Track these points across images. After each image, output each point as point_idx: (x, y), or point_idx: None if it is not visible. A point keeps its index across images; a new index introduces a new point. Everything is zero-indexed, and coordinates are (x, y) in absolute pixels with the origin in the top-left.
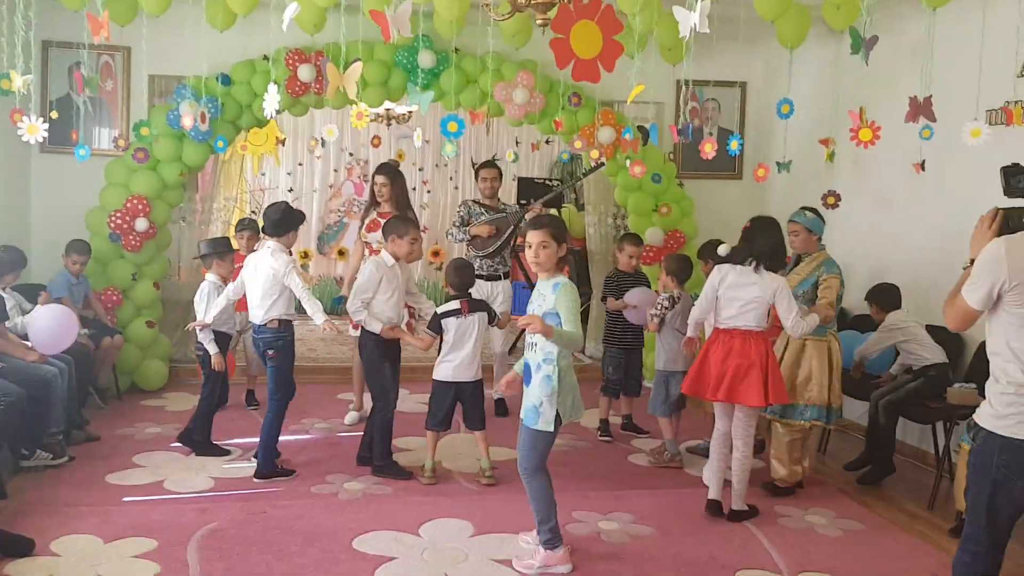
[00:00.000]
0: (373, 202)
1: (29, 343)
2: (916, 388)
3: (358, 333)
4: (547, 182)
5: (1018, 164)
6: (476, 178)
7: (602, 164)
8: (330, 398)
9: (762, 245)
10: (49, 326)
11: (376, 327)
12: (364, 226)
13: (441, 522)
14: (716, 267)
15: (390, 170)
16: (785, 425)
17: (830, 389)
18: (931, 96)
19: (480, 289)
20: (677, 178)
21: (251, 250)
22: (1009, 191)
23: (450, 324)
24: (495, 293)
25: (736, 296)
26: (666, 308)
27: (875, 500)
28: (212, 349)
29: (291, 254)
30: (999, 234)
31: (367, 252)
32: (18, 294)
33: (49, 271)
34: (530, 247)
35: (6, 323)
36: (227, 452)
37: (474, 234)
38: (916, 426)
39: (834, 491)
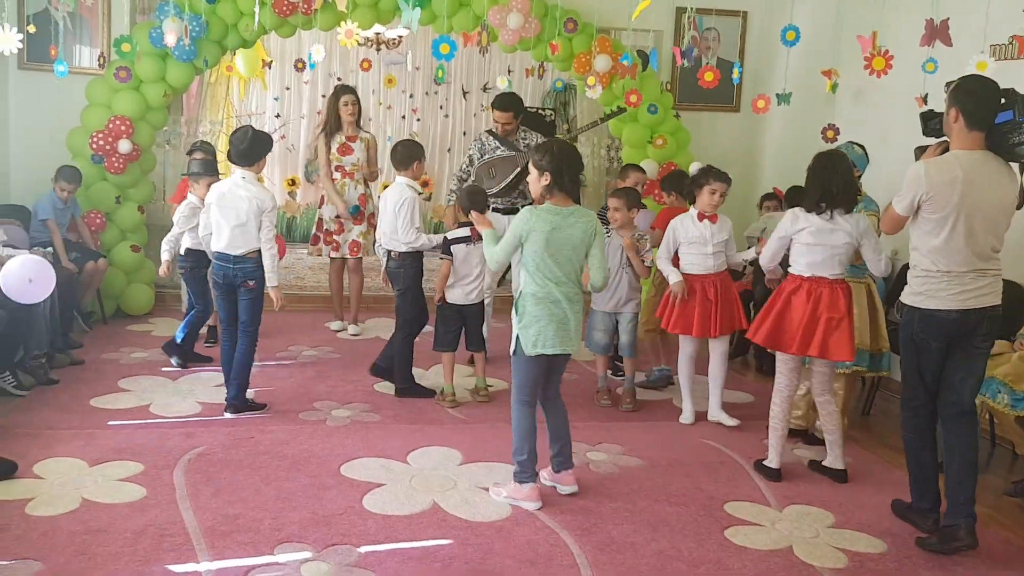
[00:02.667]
0: (336, 124)
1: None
2: None
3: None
4: (540, 111)
5: (932, 110)
6: (493, 110)
7: (623, 110)
8: (317, 326)
9: (827, 185)
10: (20, 283)
11: (431, 243)
12: (335, 149)
13: (430, 450)
14: (790, 211)
15: (353, 90)
16: None
17: (875, 332)
18: (948, 19)
19: (499, 222)
20: (674, 109)
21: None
22: (927, 132)
23: (459, 250)
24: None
25: (822, 242)
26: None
27: (864, 435)
28: (164, 258)
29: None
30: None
31: (340, 176)
32: None
33: (30, 192)
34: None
35: None
36: (209, 359)
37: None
38: None
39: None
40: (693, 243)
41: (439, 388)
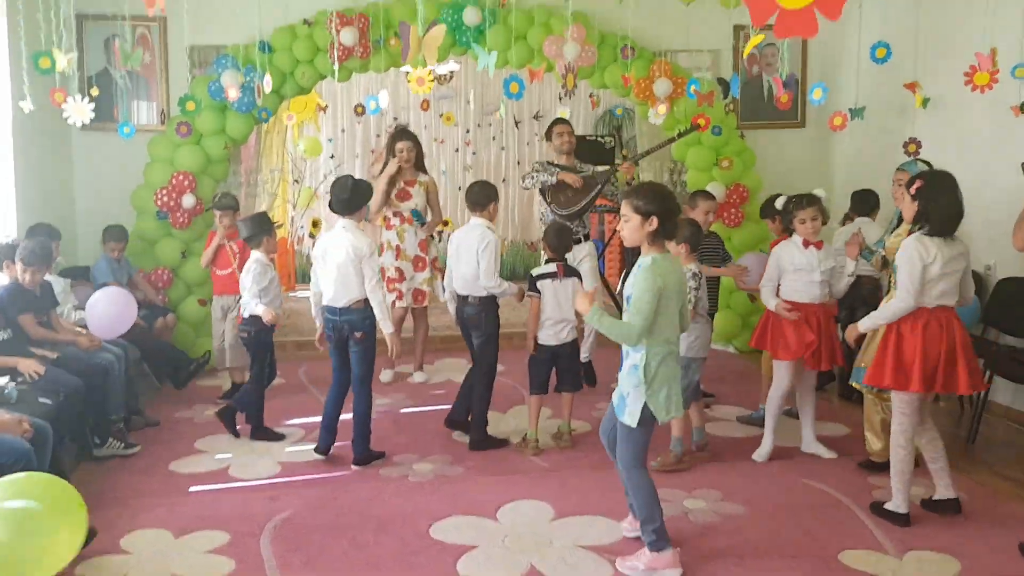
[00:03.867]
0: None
1: (81, 329)
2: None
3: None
4: (599, 139)
5: None
6: (548, 137)
7: (692, 129)
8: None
9: (956, 207)
10: (107, 309)
11: (512, 291)
12: (393, 194)
13: (519, 504)
14: (916, 239)
15: (412, 135)
16: (880, 398)
17: None
18: None
19: (580, 251)
20: (738, 129)
21: (229, 227)
22: None
23: (546, 286)
24: (578, 257)
25: (953, 269)
26: (693, 288)
27: (974, 466)
28: (261, 309)
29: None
30: None
31: (399, 222)
32: (66, 280)
33: (96, 252)
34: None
35: (57, 309)
36: (282, 437)
37: (562, 179)
38: (1010, 385)
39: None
40: (800, 270)
41: (516, 434)
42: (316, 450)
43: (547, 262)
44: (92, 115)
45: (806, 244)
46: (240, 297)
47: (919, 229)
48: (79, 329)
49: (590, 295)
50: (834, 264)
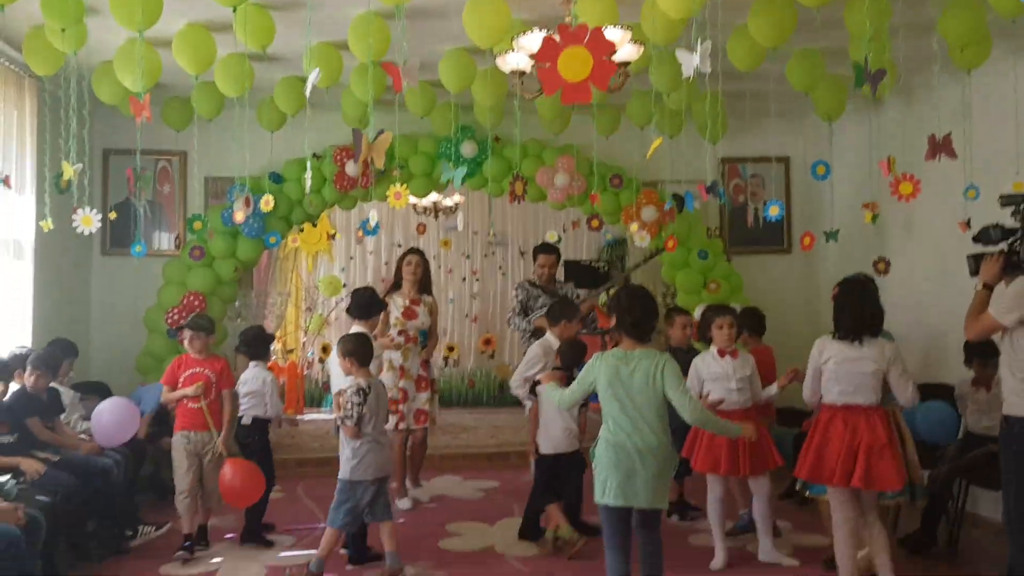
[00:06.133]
0: (395, 285)
1: (83, 436)
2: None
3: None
4: (592, 264)
5: (977, 255)
6: (534, 261)
7: (658, 252)
8: None
9: (858, 312)
10: (111, 417)
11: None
12: (400, 312)
13: None
14: (818, 341)
15: (422, 252)
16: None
17: (908, 462)
18: (950, 134)
19: (555, 344)
20: (725, 254)
21: (201, 352)
22: (974, 272)
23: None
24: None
25: (850, 370)
26: (357, 404)
27: (950, 572)
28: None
29: None
30: (1004, 266)
31: (404, 341)
32: (77, 392)
33: (107, 367)
34: None
35: (63, 417)
36: (270, 544)
37: (538, 326)
38: (989, 495)
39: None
40: (717, 379)
41: (505, 546)
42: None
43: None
44: (98, 224)
45: (721, 353)
46: (217, 433)
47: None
48: (82, 436)
49: (559, 376)
50: (751, 372)
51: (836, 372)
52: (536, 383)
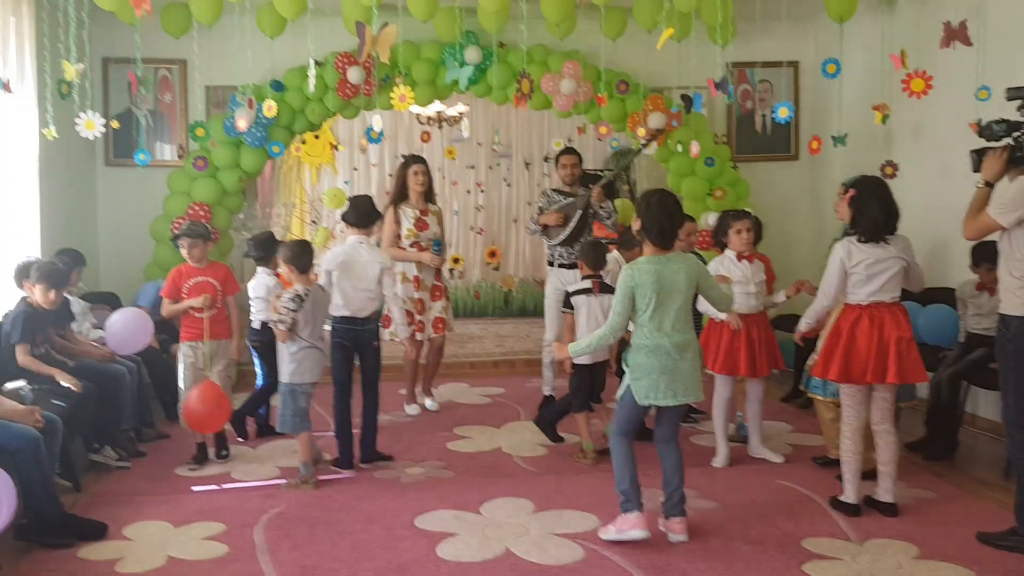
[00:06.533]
0: (403, 194)
1: (97, 343)
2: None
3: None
4: (601, 172)
5: (980, 149)
6: (556, 165)
7: (647, 143)
8: (391, 393)
9: (885, 211)
10: (125, 329)
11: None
12: (412, 224)
13: (502, 500)
14: (838, 243)
15: (424, 160)
16: (826, 402)
17: None
18: (965, 21)
19: (563, 278)
20: (731, 161)
21: (200, 260)
22: (976, 168)
23: (580, 302)
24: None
25: (881, 271)
26: (291, 309)
27: (947, 470)
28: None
29: None
30: (1008, 161)
31: (419, 251)
32: (86, 302)
33: (116, 278)
34: None
35: (74, 326)
36: (246, 437)
37: (543, 223)
38: (990, 395)
39: (906, 463)
40: (737, 283)
41: (509, 447)
42: (338, 465)
43: (584, 278)
44: (103, 130)
45: (740, 257)
46: (228, 341)
47: (853, 235)
48: (95, 343)
49: (561, 347)
50: (763, 277)
51: (867, 273)
52: (574, 293)
